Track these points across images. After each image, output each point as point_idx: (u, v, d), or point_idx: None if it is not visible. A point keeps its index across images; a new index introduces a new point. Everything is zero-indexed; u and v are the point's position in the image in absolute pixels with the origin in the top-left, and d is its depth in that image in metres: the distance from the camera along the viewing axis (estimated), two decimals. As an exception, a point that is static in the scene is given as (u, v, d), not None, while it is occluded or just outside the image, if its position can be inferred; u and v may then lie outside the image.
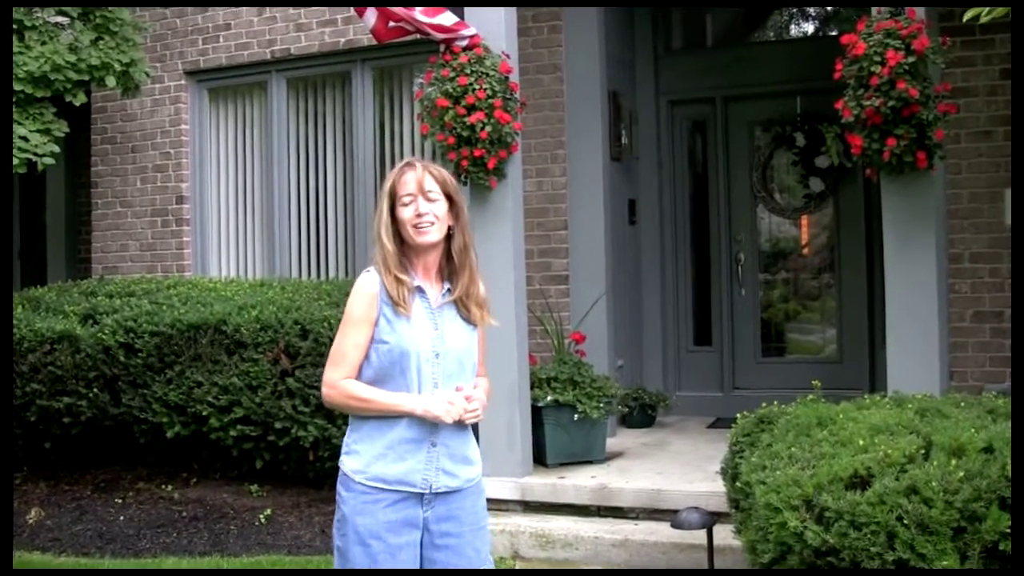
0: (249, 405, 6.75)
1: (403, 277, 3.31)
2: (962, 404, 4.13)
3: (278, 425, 6.71)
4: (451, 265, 3.41)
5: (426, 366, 3.29)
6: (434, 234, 3.33)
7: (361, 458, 3.32)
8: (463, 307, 3.39)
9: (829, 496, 3.32)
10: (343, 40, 8.63)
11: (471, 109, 6.15)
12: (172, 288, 7.82)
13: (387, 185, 3.38)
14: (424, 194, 3.33)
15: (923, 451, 3.49)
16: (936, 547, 3.13)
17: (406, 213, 3.32)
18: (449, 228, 3.38)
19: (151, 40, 9.26)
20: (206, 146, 9.47)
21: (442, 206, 3.35)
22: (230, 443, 6.97)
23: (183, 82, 9.38)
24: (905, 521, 3.20)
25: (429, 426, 3.29)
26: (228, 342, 6.85)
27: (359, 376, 3.34)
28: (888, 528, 3.21)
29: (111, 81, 7.87)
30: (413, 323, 3.29)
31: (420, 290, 3.36)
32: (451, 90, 6.19)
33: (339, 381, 3.32)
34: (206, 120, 9.48)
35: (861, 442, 3.56)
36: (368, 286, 3.33)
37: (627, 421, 7.91)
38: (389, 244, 3.32)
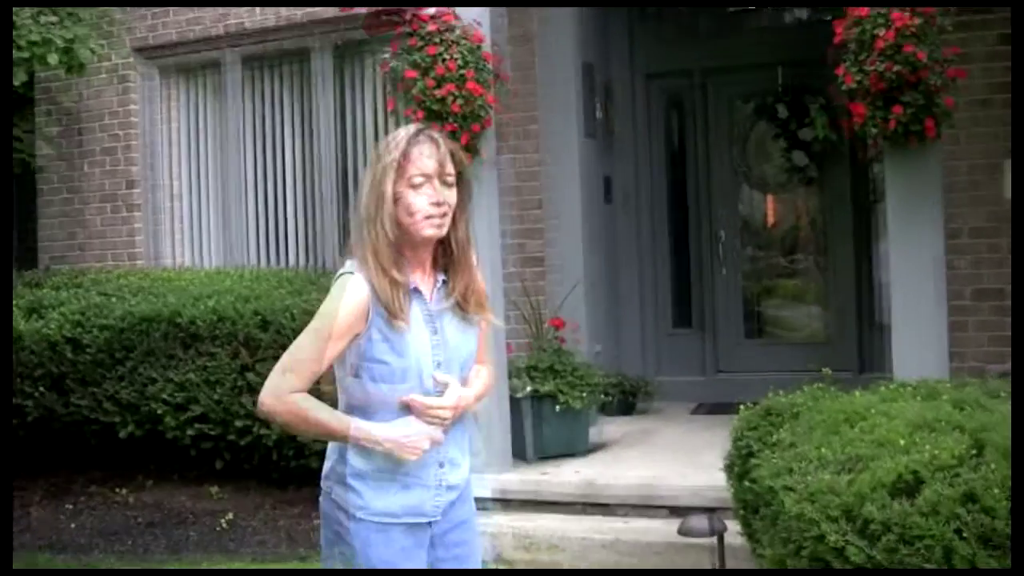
0: (207, 402, 6.44)
1: (399, 278, 2.70)
2: (1001, 394, 3.76)
3: (239, 423, 6.38)
4: (446, 258, 2.82)
5: (427, 381, 2.75)
6: (445, 227, 2.75)
7: (362, 495, 2.75)
8: (462, 305, 2.83)
9: (873, 506, 2.92)
10: (300, 12, 8.16)
11: (441, 81, 5.73)
12: (123, 278, 7.52)
13: (391, 156, 2.69)
14: (442, 177, 2.72)
15: (974, 451, 3.11)
16: (1001, 563, 2.75)
17: (416, 199, 2.69)
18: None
19: (97, 15, 8.73)
20: (157, 128, 8.96)
21: (455, 193, 2.76)
22: (187, 443, 6.64)
23: (131, 60, 8.87)
24: (964, 534, 2.80)
25: (434, 448, 2.77)
26: (183, 335, 6.53)
27: (339, 399, 2.80)
28: (945, 542, 2.80)
29: (53, 59, 7.37)
30: (414, 335, 2.73)
31: (416, 291, 2.78)
32: (419, 60, 5.77)
33: (288, 394, 2.67)
34: (156, 100, 8.98)
35: (902, 442, 3.16)
36: (360, 292, 2.68)
37: (606, 409, 7.53)
38: (390, 233, 2.70)
